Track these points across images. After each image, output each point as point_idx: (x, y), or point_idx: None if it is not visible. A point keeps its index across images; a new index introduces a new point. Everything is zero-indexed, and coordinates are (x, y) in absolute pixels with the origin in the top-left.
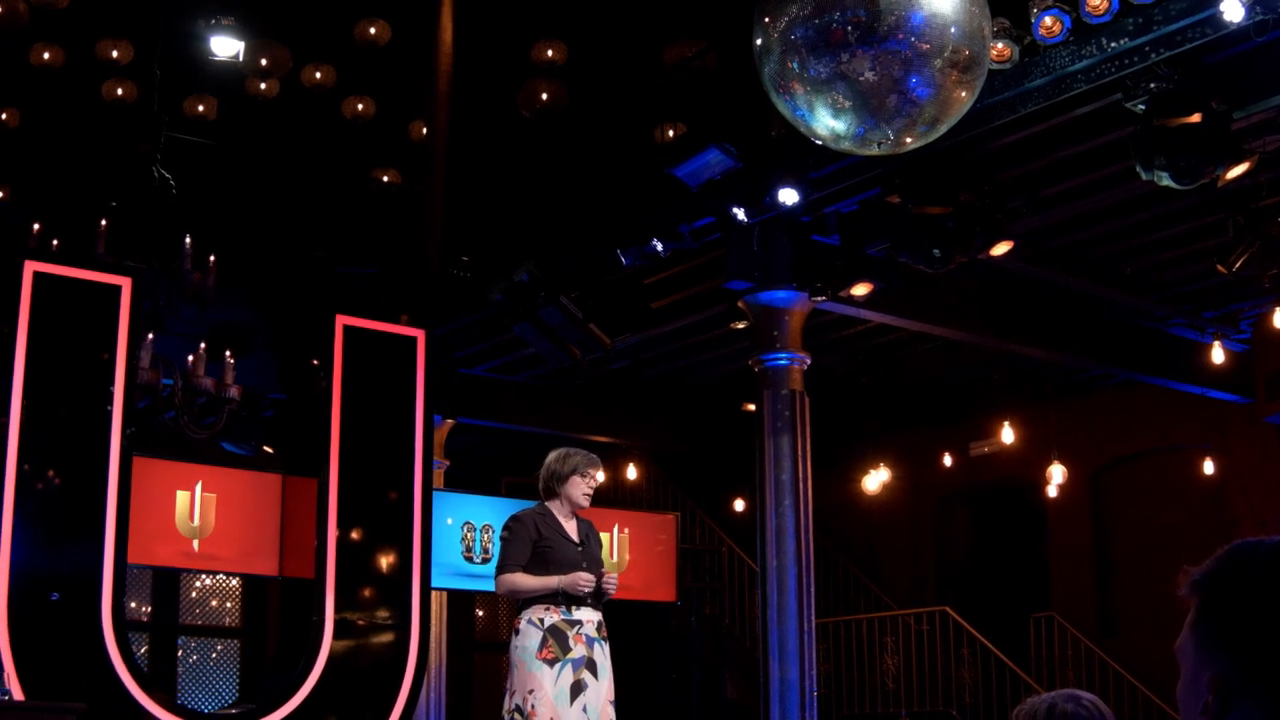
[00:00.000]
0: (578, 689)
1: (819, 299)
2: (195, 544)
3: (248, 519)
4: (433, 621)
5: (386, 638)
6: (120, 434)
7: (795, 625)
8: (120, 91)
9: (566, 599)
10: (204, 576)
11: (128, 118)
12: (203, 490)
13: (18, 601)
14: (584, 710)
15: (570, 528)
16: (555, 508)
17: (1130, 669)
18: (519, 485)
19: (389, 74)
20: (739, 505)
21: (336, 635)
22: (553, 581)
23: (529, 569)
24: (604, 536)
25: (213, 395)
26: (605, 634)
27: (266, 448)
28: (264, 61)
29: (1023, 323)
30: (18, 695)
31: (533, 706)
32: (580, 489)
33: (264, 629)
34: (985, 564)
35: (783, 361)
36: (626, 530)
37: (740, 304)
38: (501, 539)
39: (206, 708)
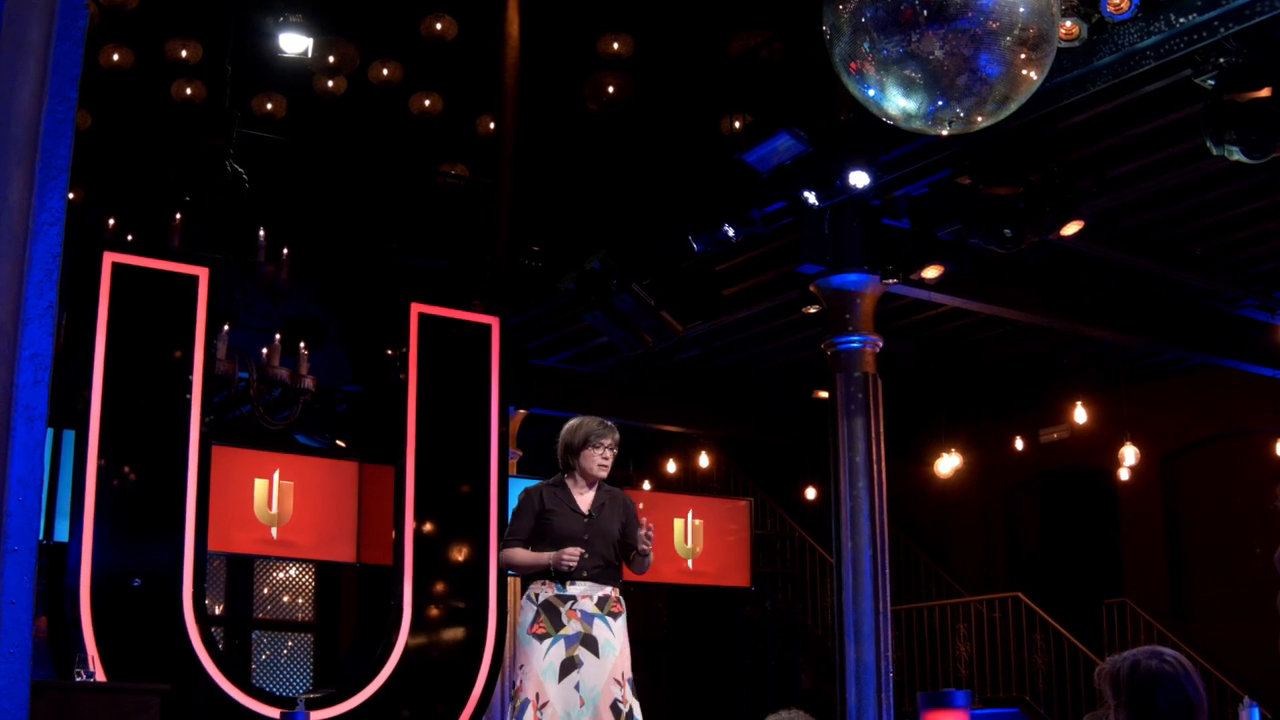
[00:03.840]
0: (569, 666)
1: (890, 281)
2: (274, 531)
3: (325, 506)
4: (509, 613)
5: (463, 628)
6: (199, 421)
7: (871, 607)
8: (189, 91)
9: (559, 574)
10: (276, 572)
11: (199, 115)
12: (280, 478)
13: (100, 586)
14: (576, 688)
15: (584, 500)
16: (571, 480)
17: (1204, 653)
18: None
19: (456, 69)
20: (810, 493)
21: (413, 622)
22: (545, 557)
23: (534, 543)
24: (677, 522)
25: (288, 386)
26: (617, 609)
27: (339, 441)
28: (332, 59)
29: (1093, 306)
30: (100, 677)
31: (520, 682)
32: (595, 459)
33: (337, 622)
34: (1057, 550)
35: (855, 344)
36: (701, 518)
37: (812, 288)
38: (512, 512)
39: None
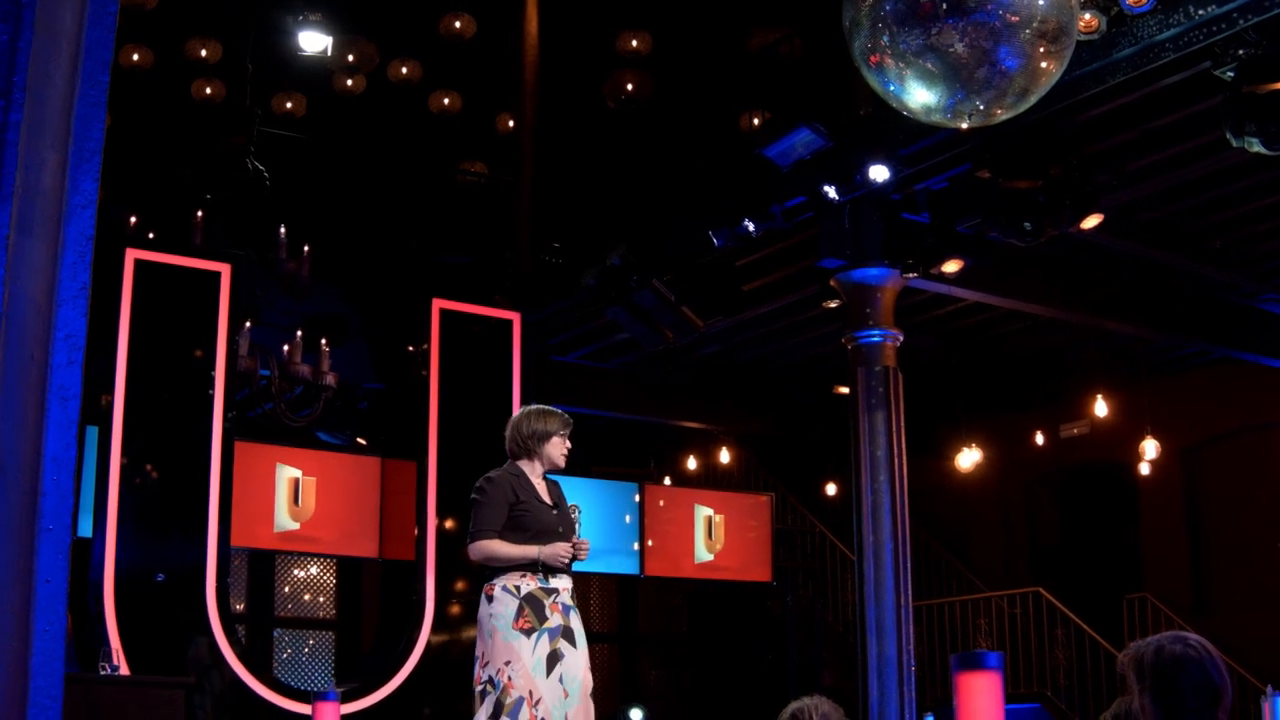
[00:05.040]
0: (554, 659)
1: (911, 276)
2: (297, 527)
3: (348, 502)
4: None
5: None
6: (222, 417)
7: (892, 601)
8: (209, 90)
9: (545, 566)
10: (297, 570)
11: (219, 114)
12: (303, 474)
13: (124, 581)
14: (560, 680)
15: (543, 490)
16: (528, 468)
17: (1225, 648)
18: (606, 474)
19: (475, 68)
20: (830, 489)
21: (436, 618)
22: (532, 551)
23: (504, 534)
24: (698, 518)
25: (309, 383)
26: (575, 600)
27: (360, 439)
28: (351, 57)
29: (1113, 299)
30: (124, 672)
31: (509, 678)
32: (560, 449)
33: (358, 620)
34: (1077, 544)
35: (876, 338)
36: (722, 513)
37: (832, 282)
38: (474, 501)
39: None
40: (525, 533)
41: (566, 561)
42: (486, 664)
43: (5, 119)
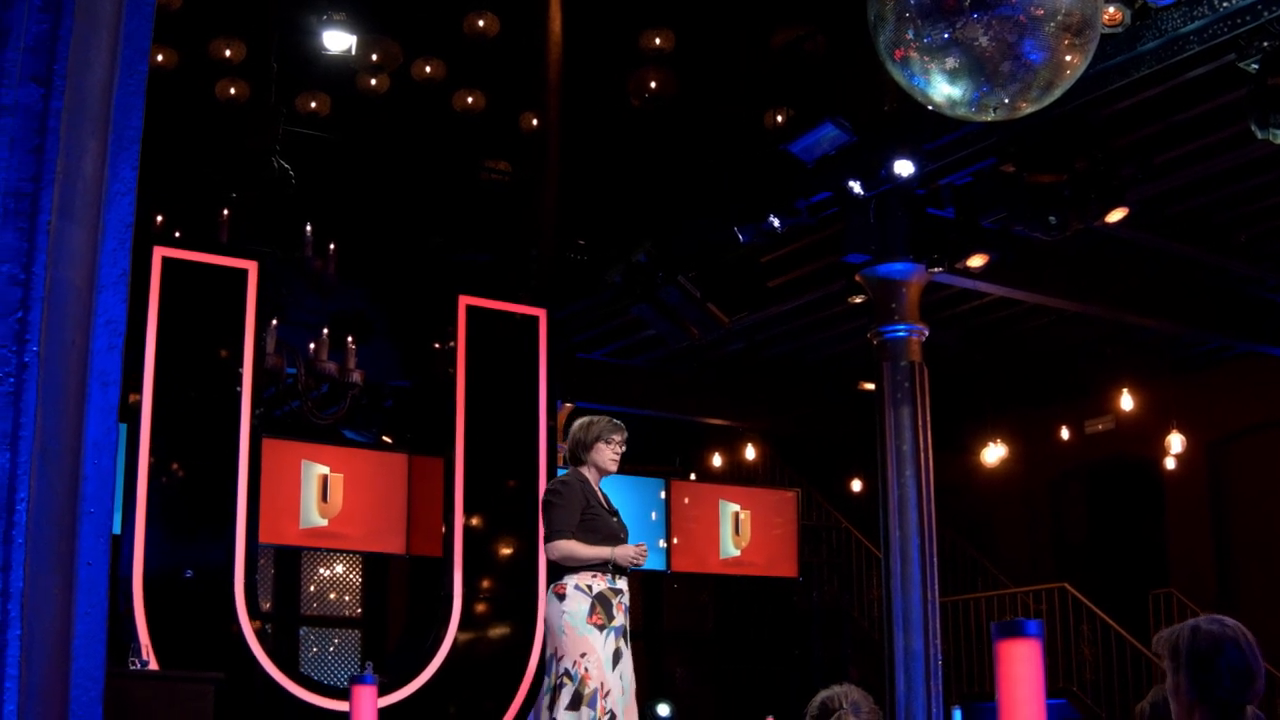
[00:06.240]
0: (617, 657)
1: (936, 270)
2: (325, 524)
3: (375, 499)
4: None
5: (511, 624)
6: (250, 414)
7: (919, 595)
8: (234, 90)
9: (615, 567)
10: (323, 568)
11: (243, 113)
12: (331, 471)
13: (153, 578)
14: (620, 678)
15: (601, 497)
16: (589, 475)
17: None
18: (631, 470)
19: (498, 66)
20: (856, 485)
21: (463, 615)
22: (605, 551)
23: (576, 535)
24: (723, 514)
25: (336, 380)
26: None
27: (386, 437)
28: (375, 56)
29: (1138, 294)
30: (154, 667)
31: (586, 670)
32: (607, 454)
33: (384, 619)
34: (1103, 540)
35: (901, 333)
36: (748, 509)
37: (858, 278)
38: (549, 503)
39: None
40: (595, 535)
41: (637, 563)
42: (562, 658)
43: (46, 106)
